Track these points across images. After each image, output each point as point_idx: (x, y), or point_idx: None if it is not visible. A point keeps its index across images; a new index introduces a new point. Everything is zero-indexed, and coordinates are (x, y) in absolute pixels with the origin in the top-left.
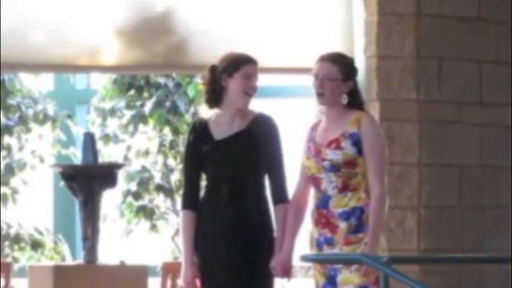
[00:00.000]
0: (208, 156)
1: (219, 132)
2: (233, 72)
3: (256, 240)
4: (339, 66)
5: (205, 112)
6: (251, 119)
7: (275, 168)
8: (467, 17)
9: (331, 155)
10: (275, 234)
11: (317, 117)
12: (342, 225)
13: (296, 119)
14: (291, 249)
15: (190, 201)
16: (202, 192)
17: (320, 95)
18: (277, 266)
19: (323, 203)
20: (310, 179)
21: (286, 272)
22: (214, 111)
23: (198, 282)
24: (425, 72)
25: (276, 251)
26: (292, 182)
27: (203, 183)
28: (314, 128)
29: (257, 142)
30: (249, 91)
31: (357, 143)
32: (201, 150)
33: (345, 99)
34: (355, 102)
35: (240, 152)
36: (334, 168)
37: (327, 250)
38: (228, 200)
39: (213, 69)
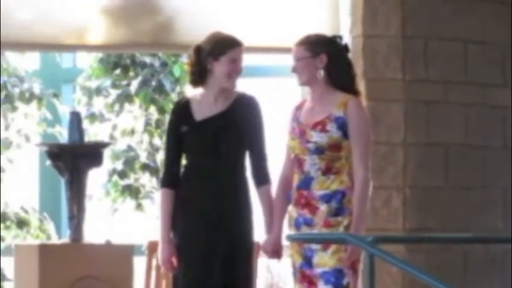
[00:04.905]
0: (188, 136)
1: (201, 113)
2: (219, 56)
3: (234, 220)
4: (305, 46)
5: (190, 91)
6: (232, 100)
7: (256, 150)
8: None
9: (316, 137)
10: (253, 215)
11: (302, 97)
12: (323, 207)
13: (280, 99)
14: (280, 231)
15: (170, 179)
16: (182, 172)
17: (297, 76)
18: (268, 247)
19: (304, 183)
20: (293, 160)
21: (277, 253)
22: (198, 91)
23: (174, 261)
24: (411, 51)
25: (265, 232)
26: (273, 162)
27: (183, 162)
28: (299, 107)
29: (238, 123)
30: (235, 75)
31: (342, 126)
32: (180, 129)
33: (320, 75)
34: (338, 81)
35: (219, 134)
36: (319, 150)
37: (305, 230)
38: (207, 180)
39: (198, 50)
